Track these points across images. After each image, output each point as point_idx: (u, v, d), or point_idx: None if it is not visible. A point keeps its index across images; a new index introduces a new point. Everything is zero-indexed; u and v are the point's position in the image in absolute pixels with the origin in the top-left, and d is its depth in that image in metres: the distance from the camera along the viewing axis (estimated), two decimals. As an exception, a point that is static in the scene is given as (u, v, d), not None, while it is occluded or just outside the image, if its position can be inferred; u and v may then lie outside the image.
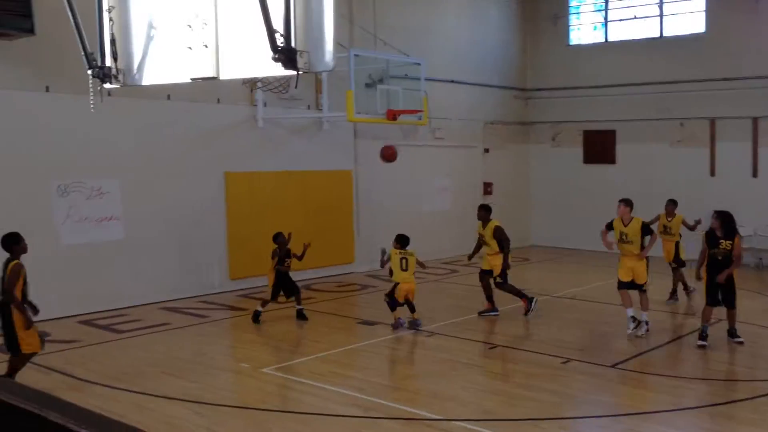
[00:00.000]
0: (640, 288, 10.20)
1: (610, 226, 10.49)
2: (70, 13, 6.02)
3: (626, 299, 10.23)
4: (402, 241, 10.80)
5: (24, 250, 7.57)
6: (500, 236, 11.28)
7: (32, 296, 10.91)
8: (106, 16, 5.98)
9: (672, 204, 12.98)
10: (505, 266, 11.23)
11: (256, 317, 10.92)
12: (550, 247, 19.52)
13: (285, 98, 13.98)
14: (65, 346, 9.55)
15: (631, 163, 18.80)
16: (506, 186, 19.43)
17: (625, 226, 10.24)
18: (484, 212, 11.58)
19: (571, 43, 20.00)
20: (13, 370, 7.65)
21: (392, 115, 13.05)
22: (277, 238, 11.20)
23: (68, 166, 11.17)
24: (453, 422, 6.98)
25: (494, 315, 11.43)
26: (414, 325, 10.61)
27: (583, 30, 19.90)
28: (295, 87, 13.27)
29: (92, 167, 11.45)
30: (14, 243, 7.54)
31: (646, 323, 10.13)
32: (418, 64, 13.87)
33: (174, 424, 6.93)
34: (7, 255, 7.50)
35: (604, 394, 8.00)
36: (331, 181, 15.09)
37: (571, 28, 19.99)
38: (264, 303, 11.00)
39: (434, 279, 15.18)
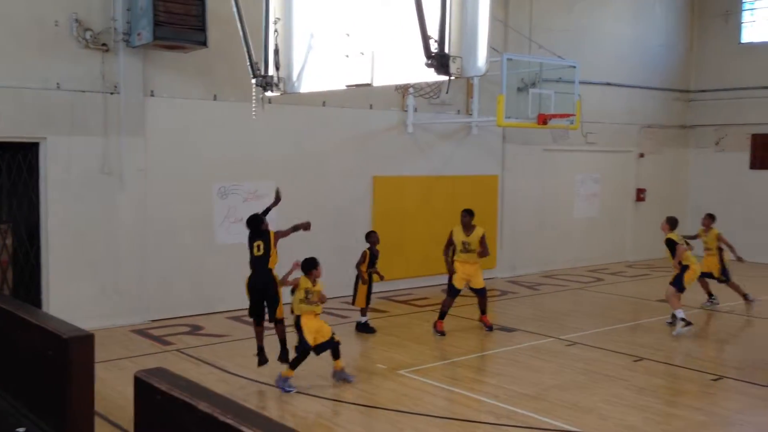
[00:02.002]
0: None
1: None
2: (239, 25, 6.45)
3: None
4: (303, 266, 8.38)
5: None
6: (485, 245, 10.59)
7: (189, 291, 11.74)
8: (271, 27, 6.37)
9: (708, 218, 12.68)
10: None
11: (365, 327, 10.60)
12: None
13: (436, 103, 14.11)
14: (216, 340, 10.16)
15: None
16: (661, 192, 18.46)
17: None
18: (470, 218, 10.74)
19: (742, 41, 18.67)
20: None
21: (543, 120, 12.78)
22: (370, 237, 10.77)
23: (229, 170, 11.89)
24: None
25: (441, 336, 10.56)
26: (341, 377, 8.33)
27: (757, 26, 18.50)
28: (446, 92, 13.36)
29: (250, 171, 12.11)
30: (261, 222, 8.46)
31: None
32: (573, 66, 13.50)
33: (310, 420, 7.20)
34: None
35: (757, 414, 7.42)
36: (477, 187, 15.04)
37: (743, 24, 18.67)
38: (363, 312, 10.70)
39: (578, 287, 14.75)
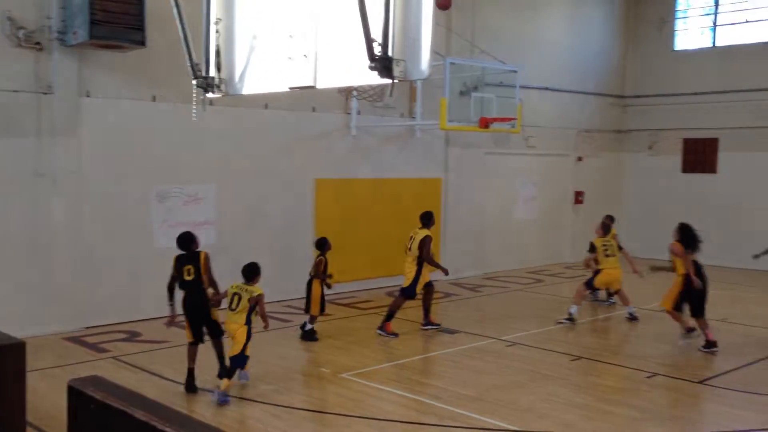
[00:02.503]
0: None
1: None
2: (179, 26, 6.33)
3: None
4: (246, 273, 8.33)
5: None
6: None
7: (125, 297, 11.43)
8: (212, 28, 6.26)
9: (608, 219, 13.19)
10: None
11: (311, 335, 10.35)
12: (642, 258, 18.84)
13: (379, 106, 14.15)
14: (154, 346, 9.95)
15: (733, 172, 18.01)
16: (598, 195, 18.97)
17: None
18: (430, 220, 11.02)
19: (676, 48, 19.33)
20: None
21: (485, 123, 12.97)
22: (325, 245, 10.47)
23: (168, 172, 11.68)
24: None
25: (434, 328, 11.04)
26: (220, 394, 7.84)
27: (690, 34, 19.19)
28: (390, 95, 13.42)
29: (190, 174, 11.93)
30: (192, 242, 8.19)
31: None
32: (515, 71, 13.75)
33: (251, 426, 7.14)
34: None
35: (688, 410, 7.70)
36: (420, 189, 15.14)
37: (677, 32, 19.33)
38: (313, 319, 10.43)
39: (519, 288, 15.01)
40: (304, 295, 10.67)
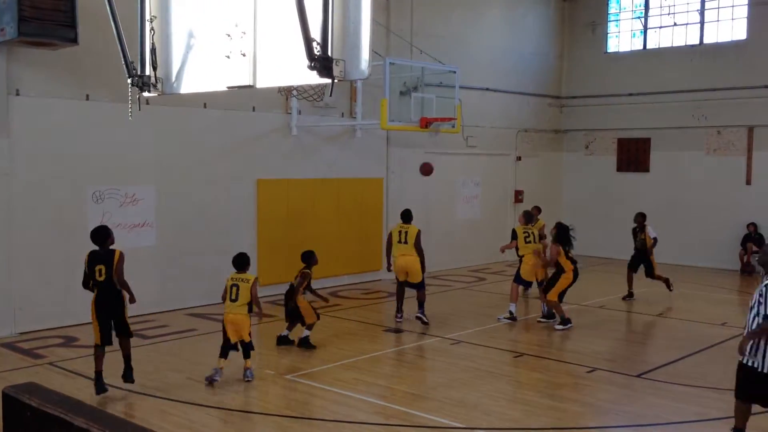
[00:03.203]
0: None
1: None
2: (112, 23, 6.18)
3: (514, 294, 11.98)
4: (238, 263, 8.55)
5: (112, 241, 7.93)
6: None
7: (61, 301, 11.10)
8: (147, 25, 6.14)
9: (536, 210, 14.14)
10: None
11: (308, 343, 9.91)
12: (580, 255, 19.29)
13: (319, 106, 14.11)
14: (92, 351, 9.65)
15: (665, 171, 18.63)
16: (538, 194, 19.32)
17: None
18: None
19: (608, 51, 19.87)
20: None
21: (425, 123, 13.08)
22: (312, 258, 10.02)
23: (104, 173, 11.40)
24: (477, 431, 7.02)
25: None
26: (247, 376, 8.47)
27: (622, 37, 19.75)
28: (330, 95, 13.32)
29: (127, 174, 11.67)
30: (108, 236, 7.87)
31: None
32: (453, 72, 13.90)
33: (197, 430, 7.02)
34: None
35: (629, 404, 7.92)
36: (362, 189, 15.17)
37: (609, 35, 19.87)
38: (311, 326, 9.96)
39: (462, 287, 15.19)
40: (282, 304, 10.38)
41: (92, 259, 7.73)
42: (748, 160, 17.47)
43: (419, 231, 11.47)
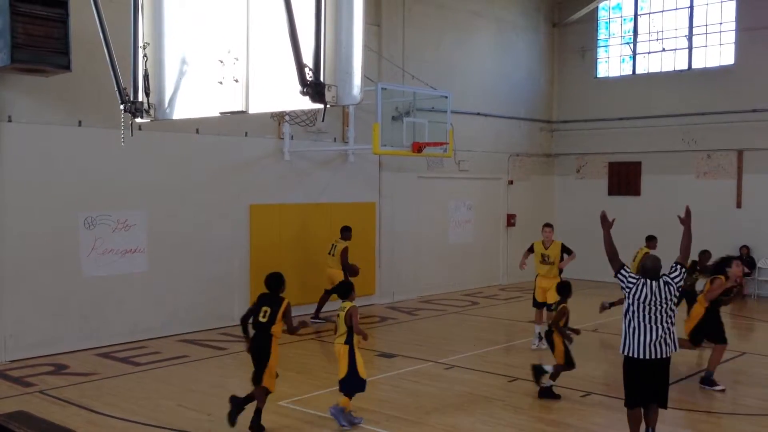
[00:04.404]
0: (549, 307, 10.75)
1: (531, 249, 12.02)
2: (105, 50, 6.21)
3: (538, 317, 11.75)
4: (341, 291, 8.16)
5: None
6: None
7: (52, 329, 11.00)
8: (140, 52, 6.16)
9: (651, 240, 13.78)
10: None
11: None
12: (573, 279, 19.27)
13: (312, 131, 14.15)
14: (83, 379, 9.61)
15: (655, 194, 18.72)
16: (530, 218, 19.38)
17: (546, 248, 11.95)
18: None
19: (598, 76, 20.07)
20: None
21: (417, 148, 13.11)
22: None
23: (96, 199, 11.38)
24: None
25: None
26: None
27: (611, 63, 19.97)
28: (322, 120, 13.37)
29: (120, 200, 11.65)
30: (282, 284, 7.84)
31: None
32: (445, 96, 13.98)
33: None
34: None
35: (623, 428, 7.85)
36: (355, 214, 15.17)
37: (598, 60, 20.08)
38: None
39: (455, 311, 15.15)
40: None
41: (261, 300, 7.83)
42: (738, 183, 17.60)
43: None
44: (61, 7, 8.99)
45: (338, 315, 7.85)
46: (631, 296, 6.78)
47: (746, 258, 17.14)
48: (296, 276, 13.92)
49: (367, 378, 7.81)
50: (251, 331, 7.75)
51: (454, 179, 17.49)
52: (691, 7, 18.30)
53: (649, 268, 6.90)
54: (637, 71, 19.41)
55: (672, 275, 6.88)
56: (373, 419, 8.08)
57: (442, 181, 17.13)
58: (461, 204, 17.95)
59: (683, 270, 6.94)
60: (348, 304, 7.80)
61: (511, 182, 19.21)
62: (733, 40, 17.66)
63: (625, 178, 19.33)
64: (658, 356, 6.69)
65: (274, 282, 7.82)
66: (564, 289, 9.35)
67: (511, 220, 19.02)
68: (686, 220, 7.45)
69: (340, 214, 14.79)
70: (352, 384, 7.73)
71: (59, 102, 10.95)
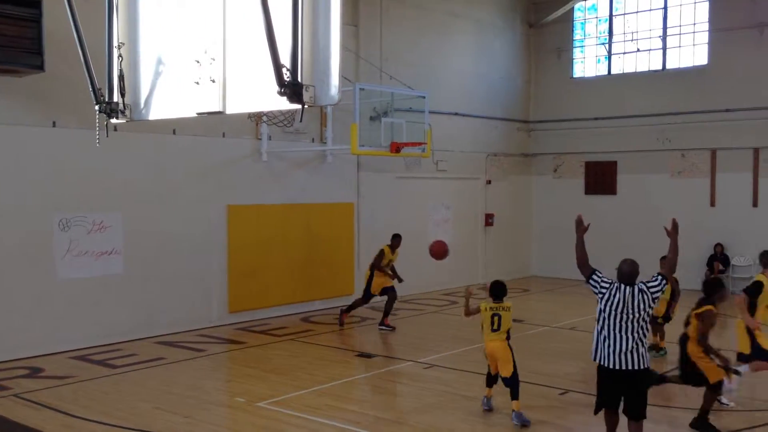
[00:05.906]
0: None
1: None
2: (80, 50, 6.14)
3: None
4: (496, 291, 8.43)
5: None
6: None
7: (26, 331, 10.88)
8: (115, 52, 6.11)
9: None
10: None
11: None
12: (550, 278, 19.51)
13: (290, 132, 14.11)
14: (58, 382, 9.49)
15: (631, 193, 18.93)
16: (508, 217, 19.53)
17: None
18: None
19: (574, 76, 20.23)
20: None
21: (395, 148, 13.15)
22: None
23: (71, 200, 11.25)
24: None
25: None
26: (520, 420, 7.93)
27: (587, 63, 20.14)
28: (300, 120, 13.41)
29: (95, 201, 11.52)
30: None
31: None
32: (423, 97, 14.02)
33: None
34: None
35: (602, 425, 7.92)
36: (333, 214, 15.16)
37: (574, 61, 20.24)
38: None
39: (434, 310, 15.19)
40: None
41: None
42: (712, 182, 17.84)
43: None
44: (35, 7, 8.90)
45: (499, 315, 8.17)
46: (603, 302, 6.44)
47: (720, 256, 17.39)
48: (274, 277, 13.90)
49: None
50: None
51: (432, 179, 17.54)
52: (665, 8, 18.53)
53: (625, 272, 6.47)
54: (613, 71, 19.59)
55: (650, 284, 6.48)
56: (353, 419, 8.07)
57: (421, 181, 17.17)
58: (439, 204, 17.99)
59: (664, 282, 6.54)
60: (510, 304, 8.30)
61: (489, 182, 19.30)
62: (707, 41, 17.89)
63: (601, 178, 19.51)
64: (630, 367, 6.40)
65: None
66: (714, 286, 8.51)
67: (489, 219, 19.11)
68: (673, 234, 7.05)
69: (318, 215, 14.77)
70: (517, 381, 8.10)
71: (33, 102, 10.81)
